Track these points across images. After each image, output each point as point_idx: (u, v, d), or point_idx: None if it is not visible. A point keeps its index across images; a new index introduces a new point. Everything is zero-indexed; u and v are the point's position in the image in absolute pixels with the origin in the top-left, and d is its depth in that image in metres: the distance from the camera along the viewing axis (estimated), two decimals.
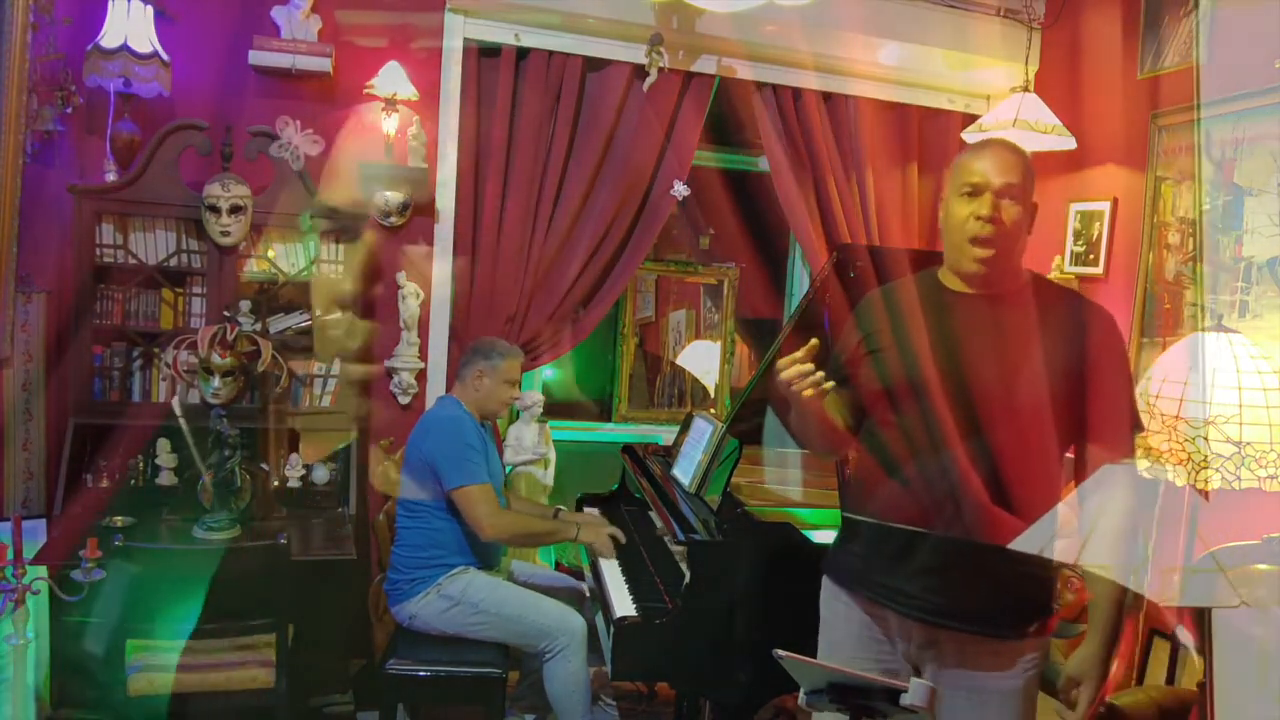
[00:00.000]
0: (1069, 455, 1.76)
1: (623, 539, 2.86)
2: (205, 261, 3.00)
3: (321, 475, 3.18)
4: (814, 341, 1.64)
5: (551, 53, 3.35)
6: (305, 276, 3.10)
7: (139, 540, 2.59)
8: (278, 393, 3.04)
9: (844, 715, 1.42)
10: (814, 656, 1.85)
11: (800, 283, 4.17)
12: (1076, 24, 3.45)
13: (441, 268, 3.37)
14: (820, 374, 1.62)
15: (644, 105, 3.44)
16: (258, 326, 3.01)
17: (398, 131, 3.17)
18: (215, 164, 2.94)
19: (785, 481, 2.98)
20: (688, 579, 2.33)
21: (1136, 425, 1.78)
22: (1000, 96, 3.61)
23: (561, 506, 3.22)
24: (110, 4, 2.83)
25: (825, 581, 1.93)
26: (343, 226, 3.11)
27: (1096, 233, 3.26)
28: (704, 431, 2.84)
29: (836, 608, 1.88)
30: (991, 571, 1.69)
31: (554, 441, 3.67)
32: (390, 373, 3.36)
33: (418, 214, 3.31)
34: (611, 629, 2.39)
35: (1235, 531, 2.36)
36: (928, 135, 3.83)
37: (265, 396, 3.03)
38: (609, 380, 4.56)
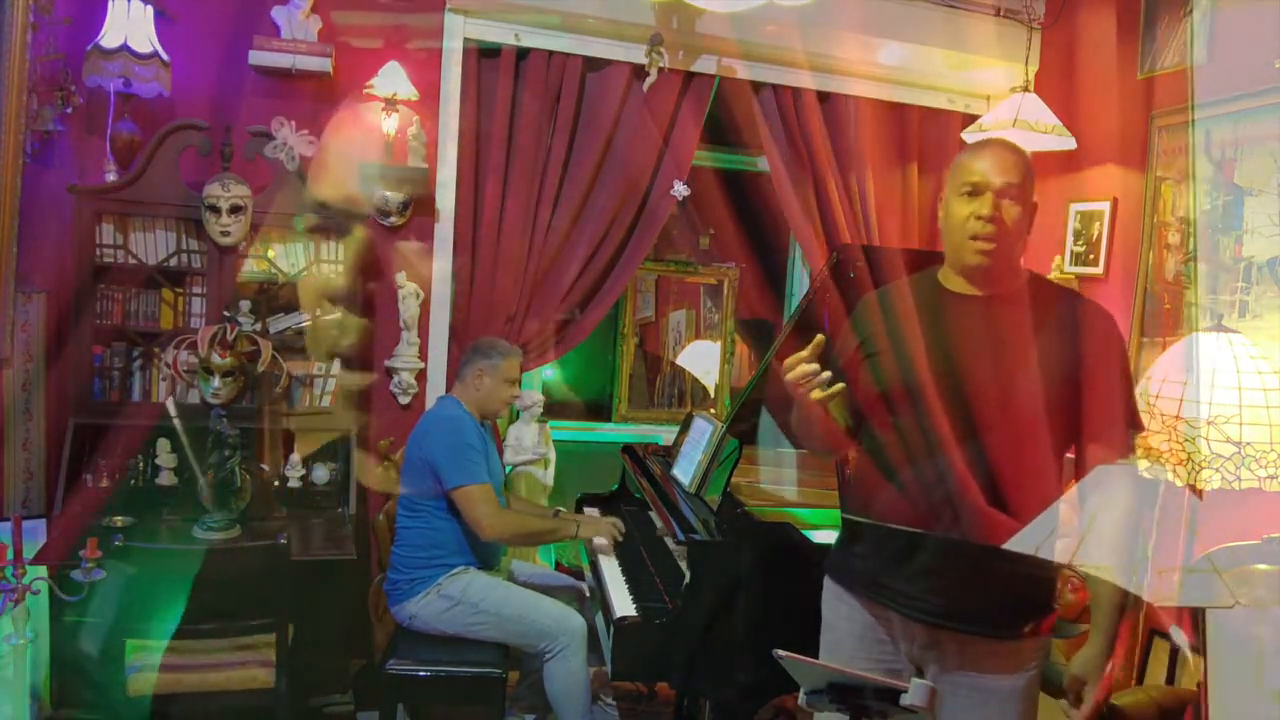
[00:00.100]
0: (1069, 455, 1.77)
1: (622, 528, 2.86)
2: (205, 261, 3.00)
3: (321, 475, 3.18)
4: (819, 338, 1.63)
5: (551, 53, 3.35)
6: (305, 276, 3.09)
7: (139, 540, 2.59)
8: (277, 393, 3.03)
9: (844, 715, 1.41)
10: (814, 656, 1.84)
11: (800, 283, 4.17)
12: (1076, 24, 3.45)
13: (441, 268, 3.37)
14: (827, 374, 1.61)
15: (644, 105, 3.44)
16: (258, 326, 3.01)
17: (398, 131, 3.17)
18: (215, 164, 2.94)
19: (785, 481, 2.98)
20: (688, 579, 2.33)
21: (1136, 425, 1.78)
22: (1000, 96, 3.60)
23: (561, 507, 3.22)
24: (110, 4, 2.83)
25: (827, 582, 1.93)
26: (337, 225, 3.10)
27: (1096, 233, 3.26)
28: (704, 431, 2.84)
29: (839, 608, 1.88)
30: (993, 572, 1.69)
31: (554, 441, 3.67)
32: (390, 373, 3.36)
33: (418, 214, 3.31)
34: (611, 629, 2.39)
35: (1235, 531, 2.36)
36: (928, 135, 3.82)
37: (265, 397, 3.03)
38: (609, 380, 4.56)
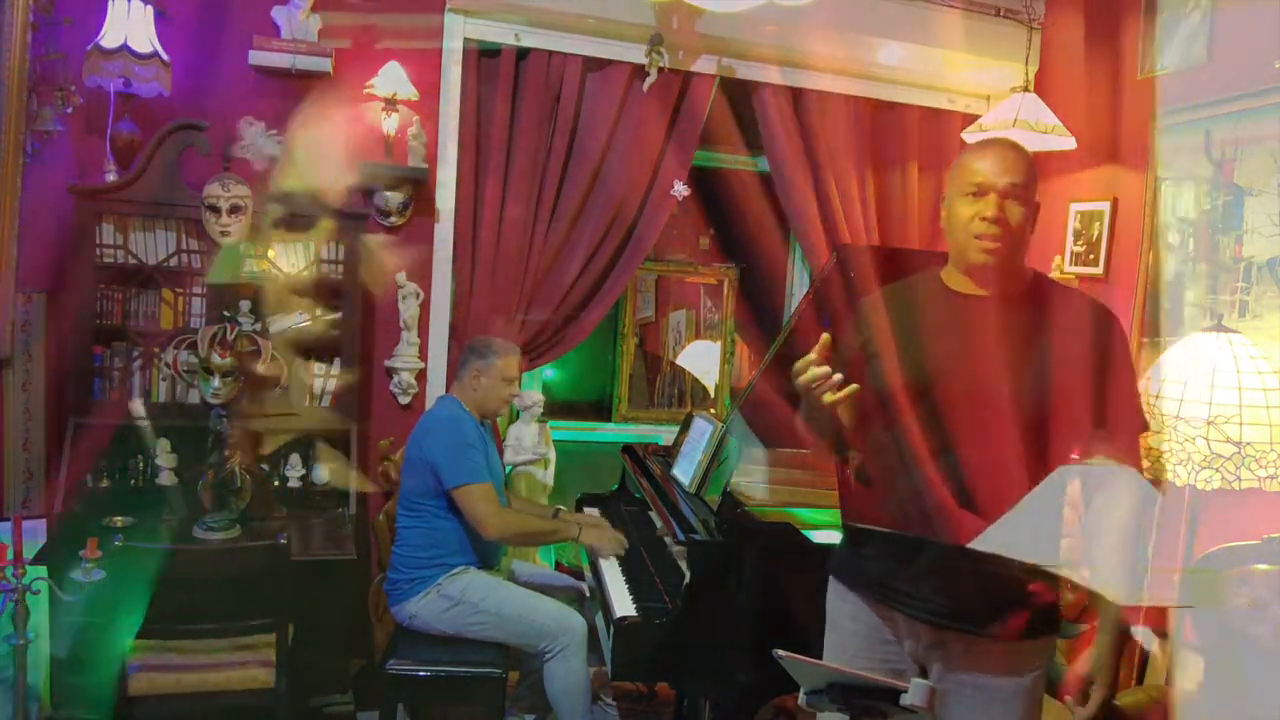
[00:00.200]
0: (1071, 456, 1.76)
1: (626, 545, 2.83)
2: (205, 261, 3.00)
3: (321, 475, 3.18)
4: (826, 338, 1.62)
5: (551, 53, 3.35)
6: (306, 276, 3.09)
7: (139, 540, 2.58)
8: (278, 393, 3.03)
9: (844, 715, 1.41)
10: (816, 656, 1.84)
11: (800, 283, 4.17)
12: (1076, 24, 3.45)
13: (441, 268, 3.37)
14: (839, 376, 1.60)
15: (644, 105, 3.44)
16: (258, 326, 3.01)
17: (398, 131, 3.17)
18: (215, 164, 2.94)
19: (785, 481, 2.97)
20: (688, 579, 2.33)
21: (1142, 425, 1.77)
22: (1000, 96, 3.60)
23: (561, 506, 3.22)
24: (110, 4, 2.83)
25: (832, 582, 1.92)
26: (305, 219, 3.05)
27: (1096, 233, 3.26)
28: (704, 431, 2.84)
29: (843, 608, 1.88)
30: (998, 573, 1.69)
31: (554, 441, 3.67)
32: (390, 373, 3.36)
33: (418, 214, 3.31)
34: (611, 629, 2.39)
35: (1235, 531, 2.36)
36: (927, 135, 3.82)
37: (265, 397, 3.02)
38: (609, 380, 4.57)
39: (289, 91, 3.14)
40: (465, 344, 3.05)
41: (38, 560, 2.43)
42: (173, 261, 3.00)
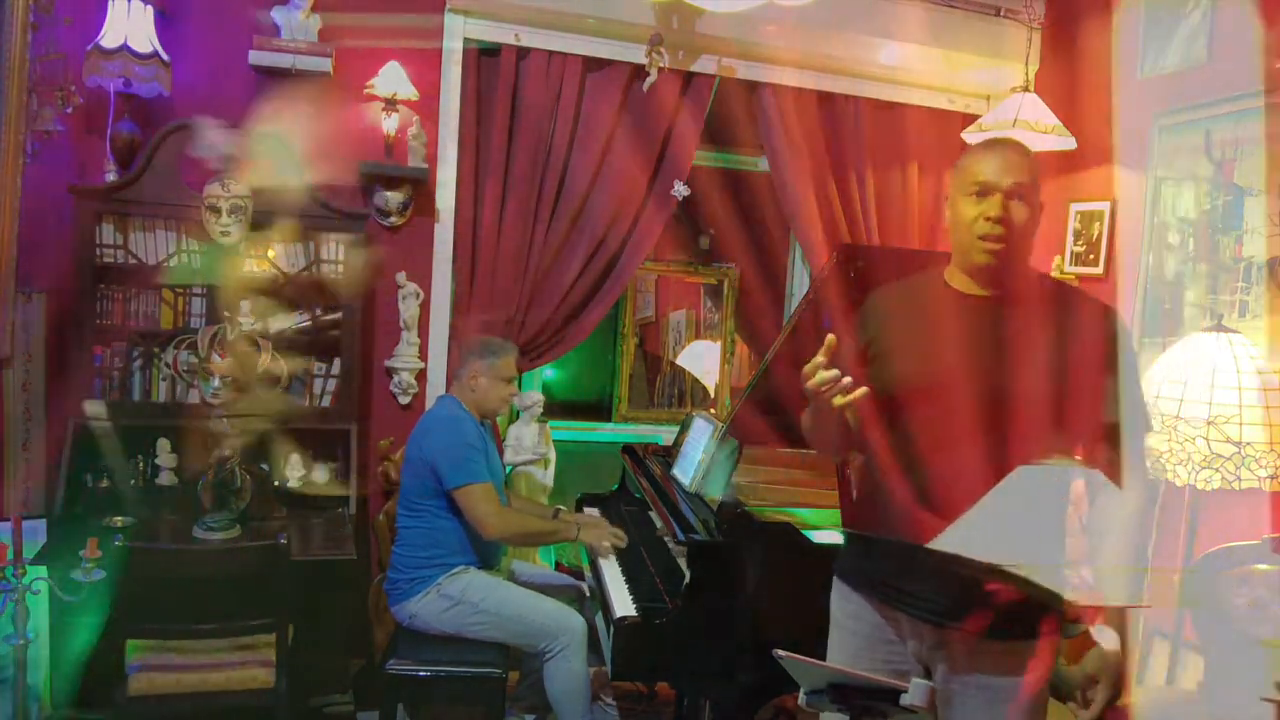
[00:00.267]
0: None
1: (624, 538, 2.86)
2: (205, 261, 3.00)
3: (321, 475, 3.18)
4: (831, 339, 1.61)
5: (551, 53, 3.35)
6: (306, 276, 3.09)
7: (139, 540, 2.59)
8: (277, 393, 3.03)
9: (844, 715, 1.41)
10: (816, 656, 1.84)
11: (800, 283, 4.17)
12: (1076, 24, 3.45)
13: (441, 268, 3.37)
14: (848, 379, 1.59)
15: (644, 105, 3.44)
16: (257, 326, 3.00)
17: (398, 131, 3.17)
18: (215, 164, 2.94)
19: (785, 481, 2.97)
20: (688, 579, 2.33)
21: (1146, 426, 1.77)
22: (1000, 96, 3.61)
23: (561, 506, 3.22)
24: (110, 4, 2.83)
25: (836, 582, 1.92)
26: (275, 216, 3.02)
27: (1096, 233, 3.26)
28: (704, 431, 2.84)
29: (847, 608, 1.87)
30: (1000, 572, 1.69)
31: (554, 441, 3.67)
32: (390, 373, 3.36)
33: (418, 214, 3.32)
34: (611, 629, 2.39)
35: (1235, 531, 2.36)
36: (928, 135, 3.82)
37: (265, 397, 3.02)
38: (609, 380, 4.57)
39: (289, 91, 3.14)
40: (464, 344, 3.05)
41: (38, 560, 2.44)
42: (173, 261, 3.00)
